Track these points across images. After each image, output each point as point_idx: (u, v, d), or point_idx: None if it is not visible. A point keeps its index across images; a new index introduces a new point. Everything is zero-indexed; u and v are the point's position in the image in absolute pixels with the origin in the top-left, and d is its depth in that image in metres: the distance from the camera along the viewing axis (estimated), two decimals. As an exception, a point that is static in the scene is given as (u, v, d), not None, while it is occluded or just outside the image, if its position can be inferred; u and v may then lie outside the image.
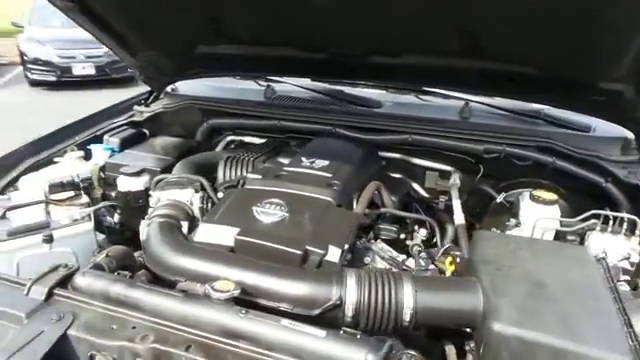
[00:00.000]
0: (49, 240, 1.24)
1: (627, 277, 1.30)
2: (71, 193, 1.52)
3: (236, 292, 1.03)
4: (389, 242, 1.50)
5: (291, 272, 1.11)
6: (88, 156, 1.95)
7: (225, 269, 1.14)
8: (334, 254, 1.20)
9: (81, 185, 1.55)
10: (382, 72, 1.78)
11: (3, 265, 1.25)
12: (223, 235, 1.26)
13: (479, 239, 1.24)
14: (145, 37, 1.87)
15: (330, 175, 1.51)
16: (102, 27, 1.80)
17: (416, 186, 1.89)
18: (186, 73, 2.21)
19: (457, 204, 1.65)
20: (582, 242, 1.39)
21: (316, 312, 1.06)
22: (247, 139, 2.20)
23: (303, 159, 1.62)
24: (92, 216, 1.40)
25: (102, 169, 1.85)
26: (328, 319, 1.08)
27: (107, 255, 1.21)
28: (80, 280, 1.11)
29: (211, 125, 2.18)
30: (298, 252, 1.18)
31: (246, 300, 1.09)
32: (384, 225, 1.53)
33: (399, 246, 1.52)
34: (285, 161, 1.68)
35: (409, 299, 1.06)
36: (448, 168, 1.88)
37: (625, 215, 1.31)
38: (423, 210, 1.80)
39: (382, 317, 1.05)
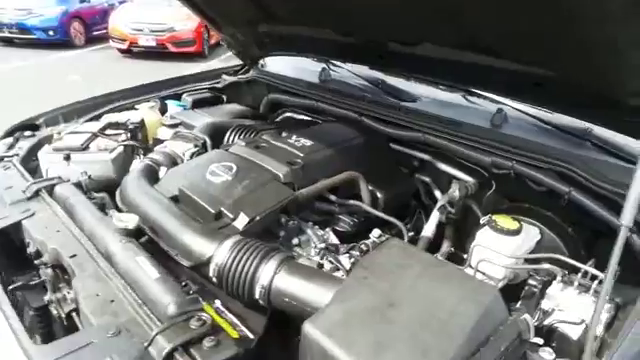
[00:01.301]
0: (67, 158, 1.60)
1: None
2: (119, 131, 1.89)
3: (130, 226, 1.19)
4: (353, 235, 1.46)
5: (184, 224, 1.21)
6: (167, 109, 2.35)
7: (147, 207, 1.31)
8: (242, 221, 1.25)
9: (129, 127, 1.91)
10: (403, 61, 1.66)
11: (43, 170, 1.67)
12: (175, 184, 1.43)
13: (384, 245, 1.12)
14: (218, 14, 2.13)
15: (301, 154, 1.52)
16: (193, 6, 2.12)
17: (437, 192, 1.73)
18: (262, 51, 2.41)
19: (434, 215, 1.47)
20: (543, 290, 1.12)
21: (189, 264, 1.15)
22: (300, 117, 2.31)
23: (293, 137, 1.65)
24: (116, 150, 1.72)
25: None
26: (203, 274, 1.16)
27: (89, 177, 1.50)
28: (57, 189, 1.43)
29: (270, 100, 2.35)
30: (212, 211, 1.28)
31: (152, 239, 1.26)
32: (344, 217, 1.48)
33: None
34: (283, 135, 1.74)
35: (265, 277, 1.06)
36: (466, 178, 1.65)
37: (587, 268, 1.00)
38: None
39: (237, 286, 1.08)
